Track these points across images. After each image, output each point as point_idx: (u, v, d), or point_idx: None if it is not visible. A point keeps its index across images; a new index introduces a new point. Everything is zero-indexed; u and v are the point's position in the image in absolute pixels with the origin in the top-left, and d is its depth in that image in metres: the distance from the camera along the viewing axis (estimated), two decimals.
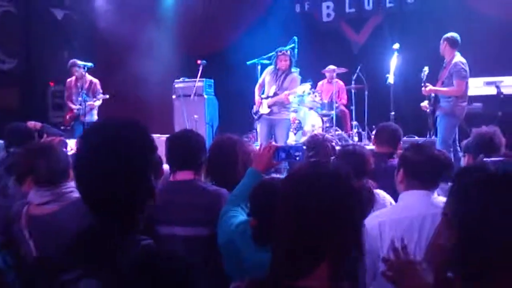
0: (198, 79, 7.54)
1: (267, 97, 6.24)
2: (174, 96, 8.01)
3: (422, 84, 5.71)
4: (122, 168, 1.15)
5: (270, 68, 6.34)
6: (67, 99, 7.53)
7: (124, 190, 1.15)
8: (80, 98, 7.19)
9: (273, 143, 2.84)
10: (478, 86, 6.58)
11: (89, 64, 7.37)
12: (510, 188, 0.96)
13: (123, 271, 0.93)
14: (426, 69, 5.78)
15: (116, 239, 1.13)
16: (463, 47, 5.78)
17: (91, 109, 7.21)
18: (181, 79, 8.05)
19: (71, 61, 7.53)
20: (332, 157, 2.99)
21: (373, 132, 4.44)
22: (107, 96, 7.28)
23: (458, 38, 5.71)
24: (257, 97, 6.38)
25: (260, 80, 6.43)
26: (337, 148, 3.42)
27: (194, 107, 7.64)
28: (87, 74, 7.40)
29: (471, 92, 6.10)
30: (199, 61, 7.40)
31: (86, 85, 7.34)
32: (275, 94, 6.16)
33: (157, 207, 2.47)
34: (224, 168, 2.60)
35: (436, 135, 5.81)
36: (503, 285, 0.95)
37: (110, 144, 1.16)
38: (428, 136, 6.08)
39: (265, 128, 6.28)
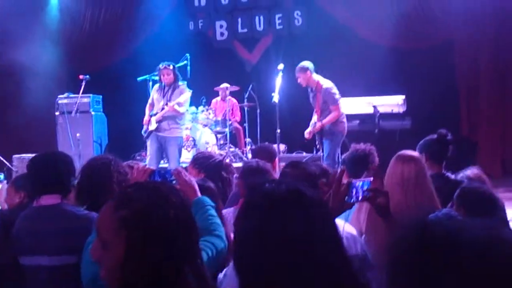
0: (80, 95, 7.15)
1: (156, 114, 6.03)
2: (57, 113, 7.52)
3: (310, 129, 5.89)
4: None
5: (157, 85, 6.21)
6: None
7: None
8: None
9: (156, 165, 2.76)
10: (357, 105, 7.05)
11: None
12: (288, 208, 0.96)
13: None
14: (315, 118, 5.94)
15: None
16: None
17: None
18: (65, 95, 7.59)
19: None
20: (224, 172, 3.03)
21: None
22: None
23: (311, 63, 5.92)
24: (146, 117, 6.15)
25: (149, 99, 6.26)
26: (235, 165, 3.48)
27: (80, 124, 7.22)
28: None
29: (351, 110, 6.50)
30: (81, 76, 7.05)
31: None
32: (163, 109, 5.97)
33: (20, 235, 2.32)
34: (97, 190, 2.46)
35: (322, 151, 6.09)
36: None
37: None
38: (314, 152, 6.36)
39: (154, 145, 6.02)
